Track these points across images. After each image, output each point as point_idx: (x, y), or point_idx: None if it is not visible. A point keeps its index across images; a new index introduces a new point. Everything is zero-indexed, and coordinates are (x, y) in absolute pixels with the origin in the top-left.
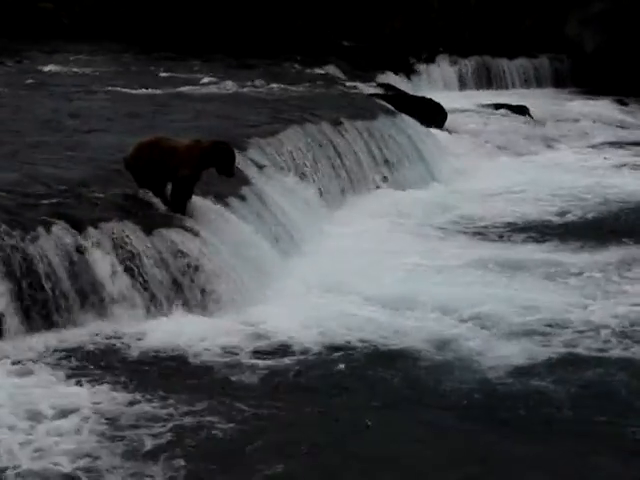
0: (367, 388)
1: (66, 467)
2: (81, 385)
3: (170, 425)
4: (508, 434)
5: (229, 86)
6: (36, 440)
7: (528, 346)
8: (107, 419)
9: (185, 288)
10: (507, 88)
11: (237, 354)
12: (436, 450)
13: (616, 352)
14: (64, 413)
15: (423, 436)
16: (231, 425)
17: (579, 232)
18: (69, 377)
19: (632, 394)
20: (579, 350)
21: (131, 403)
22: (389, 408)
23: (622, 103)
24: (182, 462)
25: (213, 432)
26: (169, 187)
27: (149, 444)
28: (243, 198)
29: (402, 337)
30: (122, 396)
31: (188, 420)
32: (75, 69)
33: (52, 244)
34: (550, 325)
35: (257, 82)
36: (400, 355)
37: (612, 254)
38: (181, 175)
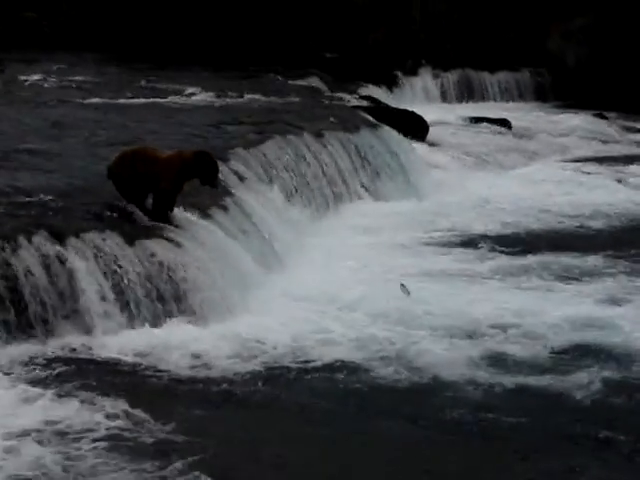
0: (343, 398)
1: None
2: (58, 396)
3: (150, 439)
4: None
5: (211, 97)
6: None
7: None
8: (79, 431)
9: (166, 298)
10: (489, 101)
11: (217, 364)
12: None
13: None
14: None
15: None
16: (208, 434)
17: (538, 246)
18: (45, 388)
19: None
20: None
21: (107, 415)
22: (361, 415)
23: (603, 117)
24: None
25: (189, 442)
26: (150, 198)
27: (128, 457)
28: (225, 209)
29: (378, 348)
30: (99, 405)
31: (168, 432)
32: (57, 79)
33: (33, 254)
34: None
35: (239, 93)
36: (374, 365)
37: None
38: (162, 187)
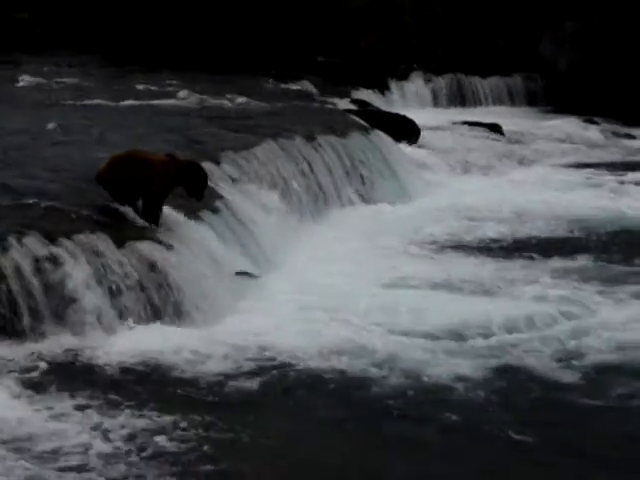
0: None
1: None
2: (46, 398)
3: (141, 439)
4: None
5: (203, 100)
6: None
7: None
8: (71, 432)
9: (157, 300)
10: (480, 106)
11: (209, 365)
12: None
13: None
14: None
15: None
16: (201, 433)
17: (526, 250)
18: (34, 389)
19: None
20: None
21: (95, 413)
22: (349, 420)
23: (594, 122)
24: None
25: (182, 444)
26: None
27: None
28: (216, 211)
29: (371, 353)
30: (86, 406)
31: (160, 435)
32: (48, 81)
33: (24, 255)
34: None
35: (231, 96)
36: (367, 369)
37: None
38: (154, 189)
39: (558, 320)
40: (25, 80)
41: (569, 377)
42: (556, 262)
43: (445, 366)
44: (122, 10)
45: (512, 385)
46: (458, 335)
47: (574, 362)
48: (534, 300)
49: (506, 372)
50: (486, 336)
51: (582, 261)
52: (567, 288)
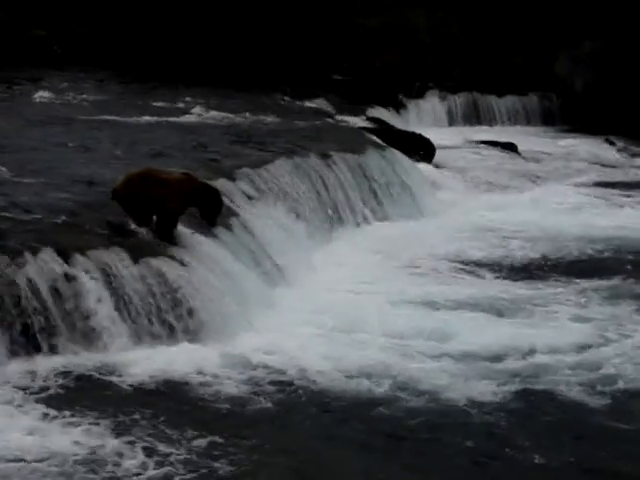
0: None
1: None
2: (59, 414)
3: (155, 458)
4: None
5: (219, 116)
6: None
7: None
8: (86, 448)
9: (171, 317)
10: (496, 125)
11: (223, 383)
12: None
13: None
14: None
15: None
16: (219, 452)
17: (550, 269)
18: (48, 405)
19: None
20: None
21: (113, 433)
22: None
23: (610, 142)
24: None
25: (198, 462)
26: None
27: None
28: (230, 228)
29: (391, 374)
30: (104, 425)
31: (173, 454)
32: (65, 97)
33: (39, 271)
34: None
35: (247, 113)
36: (388, 391)
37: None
38: (170, 207)
39: (592, 342)
40: (42, 96)
41: (598, 401)
42: (585, 282)
43: (469, 389)
44: (139, 27)
45: (540, 408)
46: (488, 357)
47: (606, 386)
48: (565, 321)
49: (534, 395)
50: (517, 358)
51: (614, 281)
52: (601, 308)
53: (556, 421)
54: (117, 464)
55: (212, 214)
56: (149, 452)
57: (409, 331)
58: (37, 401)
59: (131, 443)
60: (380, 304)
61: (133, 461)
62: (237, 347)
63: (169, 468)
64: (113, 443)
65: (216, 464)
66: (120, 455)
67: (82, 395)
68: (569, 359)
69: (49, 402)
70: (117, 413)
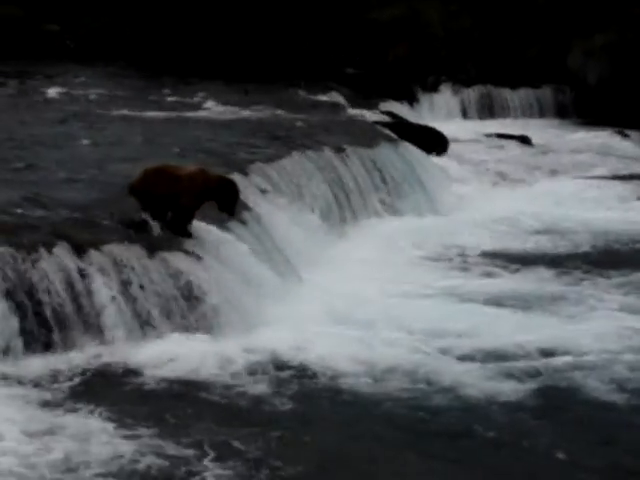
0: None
1: None
2: (75, 409)
3: (167, 454)
4: None
5: (232, 110)
6: None
7: None
8: (100, 443)
9: (185, 311)
10: (509, 118)
11: (236, 377)
12: None
13: None
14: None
15: None
16: (231, 450)
17: (558, 266)
18: (64, 399)
19: None
20: None
21: (132, 427)
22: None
23: (624, 135)
24: None
25: (221, 460)
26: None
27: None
28: (245, 222)
29: (413, 369)
30: (122, 421)
31: (184, 446)
32: (78, 92)
33: (53, 266)
34: None
35: (260, 107)
36: (409, 386)
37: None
38: (183, 203)
39: (619, 338)
40: (55, 91)
41: (624, 399)
42: (609, 277)
43: (496, 386)
44: (152, 22)
45: (565, 405)
46: (514, 354)
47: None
48: (589, 317)
49: (561, 392)
50: (544, 355)
51: (633, 275)
52: (629, 303)
53: (576, 415)
54: (136, 461)
55: (229, 205)
56: (161, 451)
57: (426, 326)
58: (53, 396)
59: (149, 438)
60: (398, 298)
61: (149, 458)
62: (255, 342)
63: (184, 466)
64: (129, 436)
65: (237, 460)
66: (142, 454)
67: (99, 390)
68: (598, 358)
69: (65, 397)
70: (136, 408)
